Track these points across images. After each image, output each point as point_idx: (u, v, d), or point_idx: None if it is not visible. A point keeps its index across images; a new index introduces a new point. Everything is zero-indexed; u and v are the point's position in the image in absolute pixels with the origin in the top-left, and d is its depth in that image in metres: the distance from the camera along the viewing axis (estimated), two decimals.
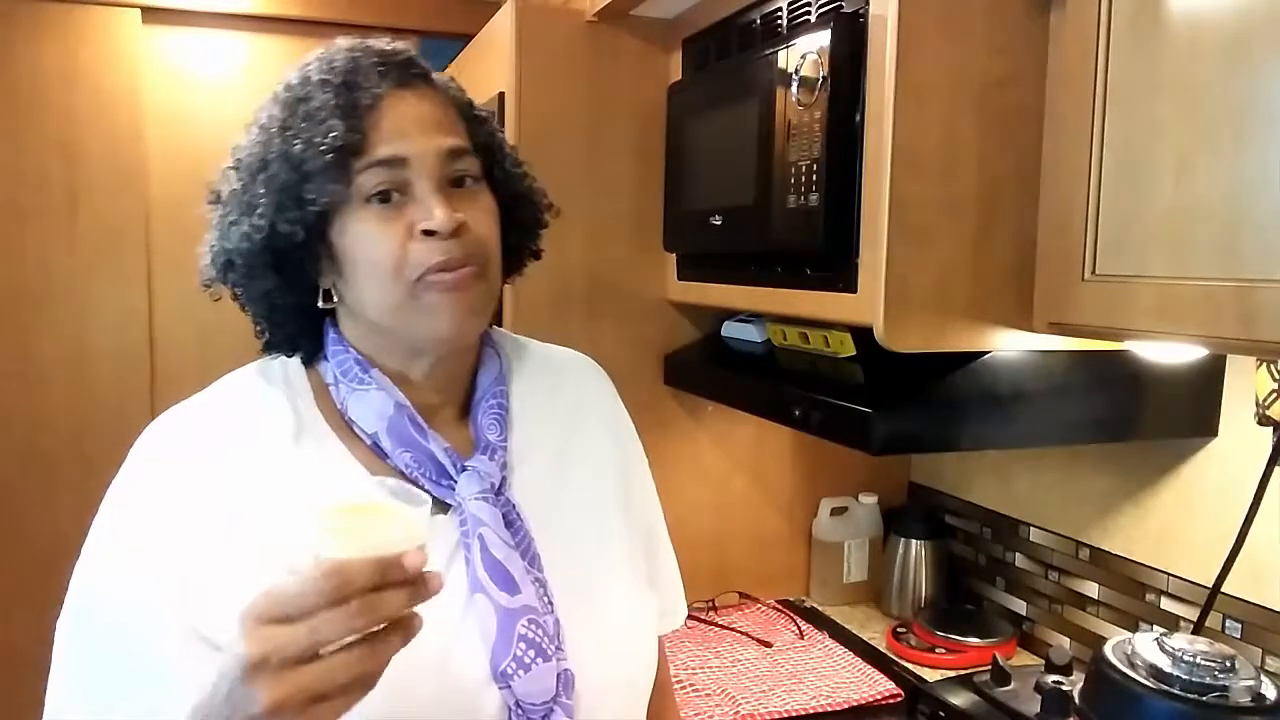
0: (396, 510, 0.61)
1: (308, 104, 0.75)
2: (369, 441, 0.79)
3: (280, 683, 0.56)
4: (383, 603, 0.57)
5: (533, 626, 0.74)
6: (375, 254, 0.75)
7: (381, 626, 0.58)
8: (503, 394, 0.86)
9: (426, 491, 0.75)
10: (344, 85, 0.75)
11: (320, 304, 0.80)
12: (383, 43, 0.79)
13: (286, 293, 0.80)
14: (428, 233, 0.74)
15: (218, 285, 0.80)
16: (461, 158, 0.78)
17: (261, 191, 0.75)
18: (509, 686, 0.72)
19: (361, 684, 0.58)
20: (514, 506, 0.80)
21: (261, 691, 0.56)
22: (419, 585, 0.59)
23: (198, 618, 0.71)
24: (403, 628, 0.59)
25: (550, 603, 0.77)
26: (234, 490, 0.75)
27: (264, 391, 0.81)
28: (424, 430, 0.79)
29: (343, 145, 0.73)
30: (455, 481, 0.78)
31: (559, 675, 0.74)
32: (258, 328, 0.84)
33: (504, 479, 0.81)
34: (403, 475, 0.78)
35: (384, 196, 0.75)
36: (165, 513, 0.74)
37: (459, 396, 0.86)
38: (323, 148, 0.72)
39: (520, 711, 0.73)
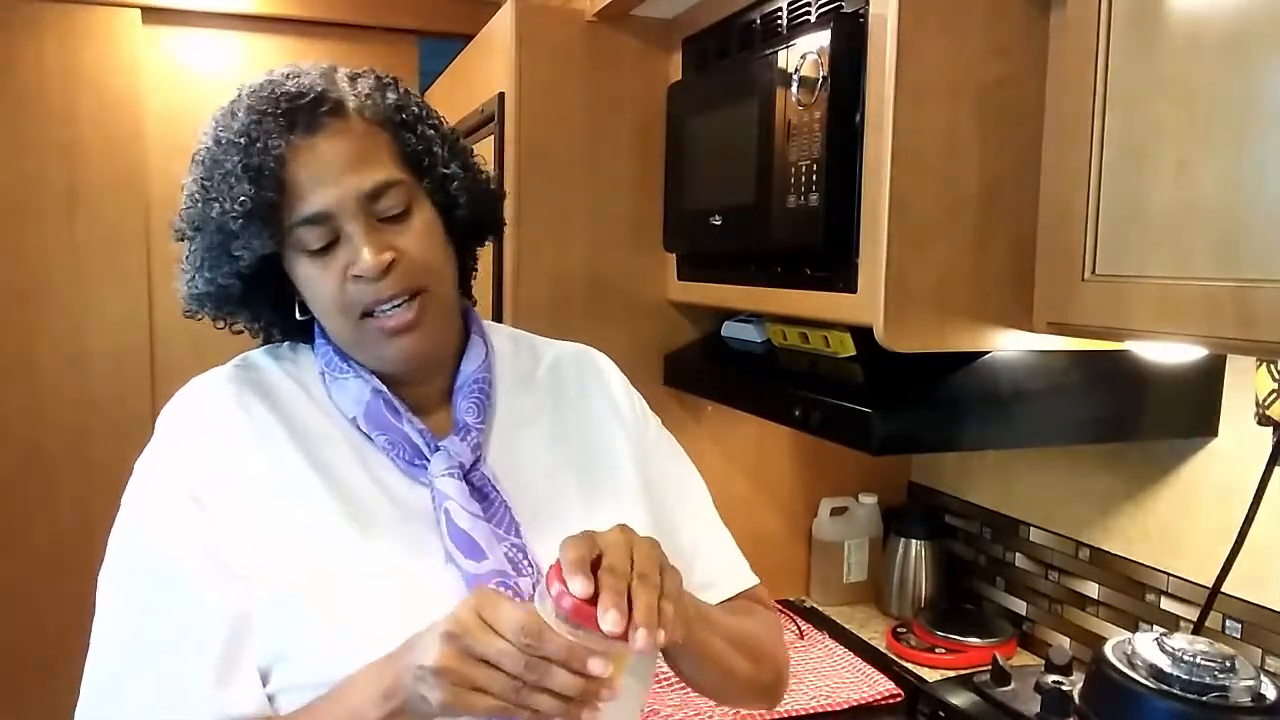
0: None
1: (220, 167, 0.77)
2: (350, 425, 0.85)
3: (456, 664, 0.65)
4: (551, 673, 0.65)
5: (501, 589, 0.76)
6: (318, 295, 0.81)
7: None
8: (485, 380, 0.89)
9: (401, 471, 0.84)
10: (248, 144, 0.76)
11: (298, 315, 0.86)
12: (290, 82, 0.79)
13: (264, 314, 0.88)
14: (358, 277, 0.79)
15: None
16: (385, 193, 0.80)
17: (199, 250, 0.80)
18: None
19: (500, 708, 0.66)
20: (489, 479, 0.84)
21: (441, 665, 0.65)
22: (591, 685, 0.65)
23: (221, 546, 0.77)
24: (557, 702, 0.65)
25: (532, 565, 0.81)
26: (252, 439, 0.82)
27: (273, 366, 0.88)
28: (399, 414, 0.84)
29: (253, 209, 0.76)
30: (429, 461, 0.83)
31: None
32: (254, 336, 0.92)
33: (478, 457, 0.85)
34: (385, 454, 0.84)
35: (318, 248, 0.79)
36: (191, 461, 0.80)
37: (443, 381, 0.90)
38: (235, 213, 0.76)
39: None
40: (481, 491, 0.83)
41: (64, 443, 2.34)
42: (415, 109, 0.85)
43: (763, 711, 1.39)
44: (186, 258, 0.83)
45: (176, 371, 2.39)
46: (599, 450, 0.93)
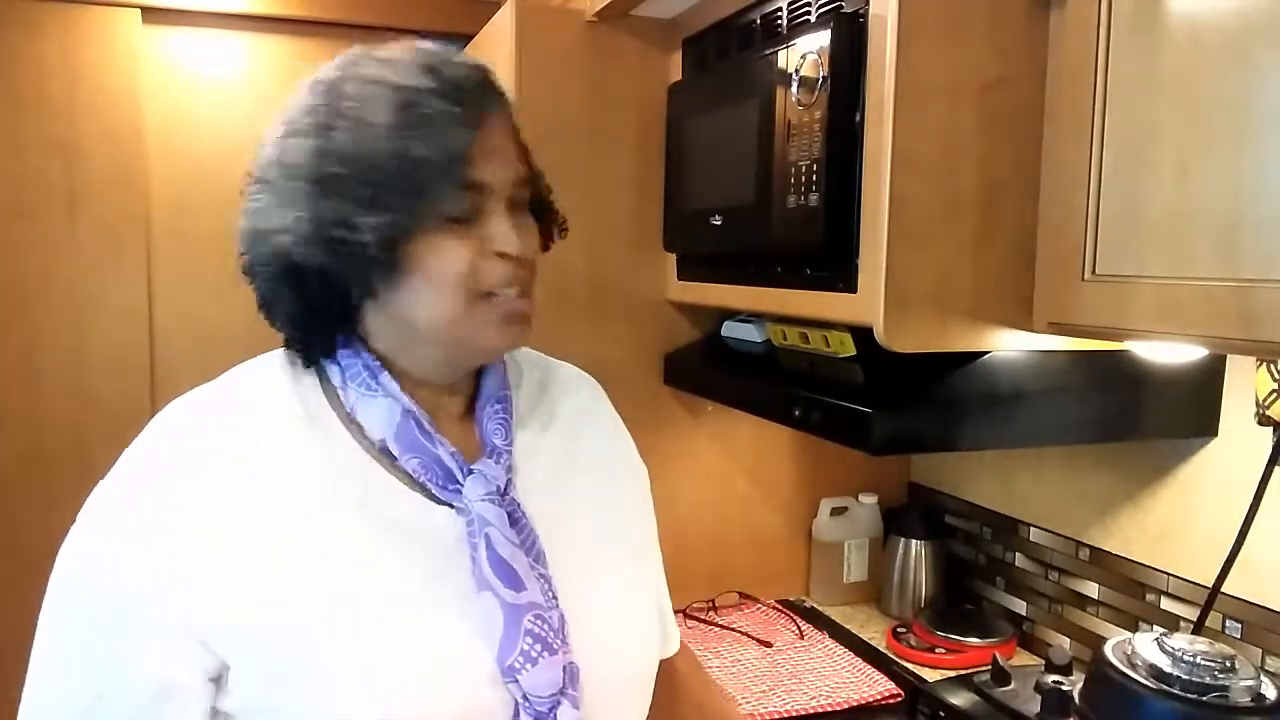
0: None
1: (420, 109, 0.72)
2: (378, 446, 0.79)
3: None
4: None
5: (538, 621, 0.75)
6: (446, 268, 0.75)
7: None
8: (507, 398, 0.87)
9: (432, 495, 0.78)
10: (456, 97, 0.74)
11: (355, 299, 0.78)
12: (470, 59, 0.79)
13: (317, 296, 0.77)
14: (501, 254, 0.77)
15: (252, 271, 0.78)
16: (525, 187, 0.82)
17: (371, 189, 0.72)
18: (516, 681, 0.73)
19: None
20: (519, 506, 0.82)
21: None
22: None
23: (190, 605, 0.71)
24: None
25: (555, 598, 0.79)
26: (243, 479, 0.74)
27: (275, 381, 0.81)
28: (431, 436, 0.79)
29: (461, 155, 0.73)
30: (462, 485, 0.79)
31: (565, 668, 0.75)
32: (275, 324, 0.82)
33: (509, 480, 0.82)
34: (410, 478, 0.79)
35: (463, 217, 0.76)
36: (167, 495, 0.73)
37: (465, 397, 0.87)
38: (439, 156, 0.72)
39: (528, 704, 0.74)
40: (512, 517, 0.80)
41: (64, 443, 2.34)
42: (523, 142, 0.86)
43: (763, 712, 1.39)
44: (306, 200, 0.74)
45: (176, 371, 2.42)
46: (604, 478, 0.92)
